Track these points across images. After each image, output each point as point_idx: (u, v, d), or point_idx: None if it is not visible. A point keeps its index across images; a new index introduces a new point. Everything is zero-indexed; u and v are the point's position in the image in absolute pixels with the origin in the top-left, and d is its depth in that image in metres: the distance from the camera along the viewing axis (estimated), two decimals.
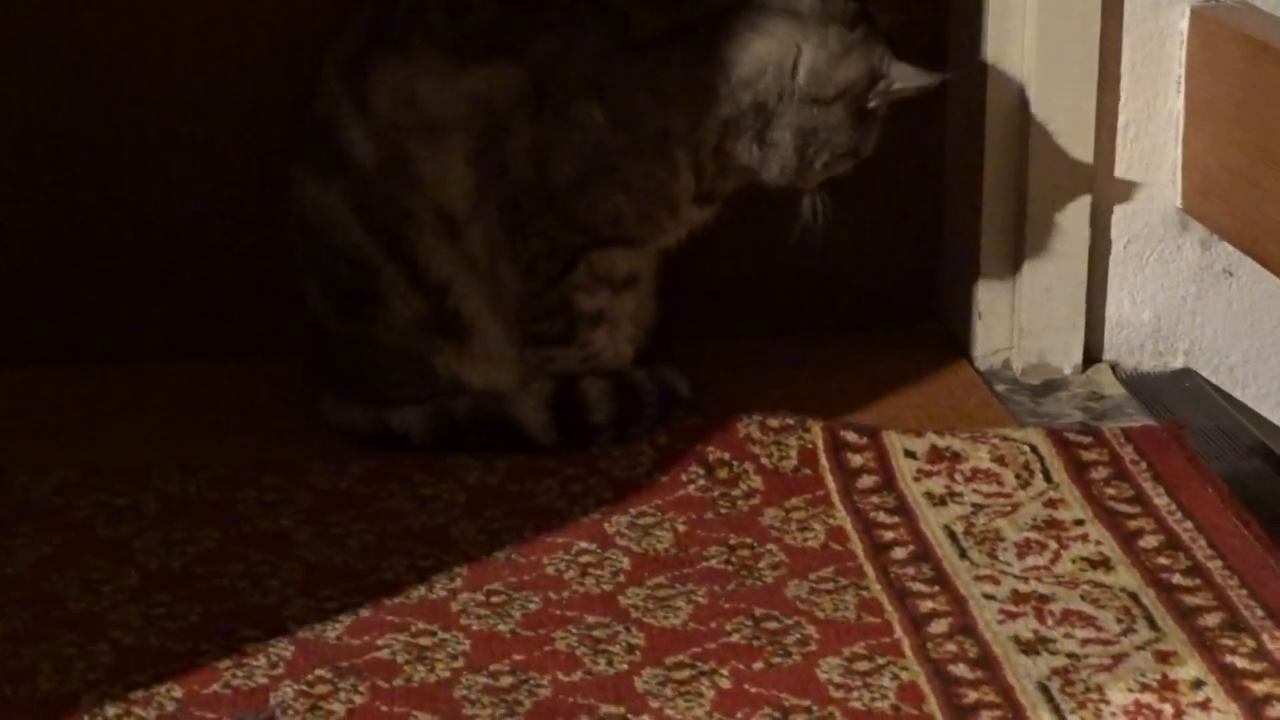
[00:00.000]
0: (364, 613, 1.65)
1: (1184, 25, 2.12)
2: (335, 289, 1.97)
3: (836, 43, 1.89)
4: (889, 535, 1.78)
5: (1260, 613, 1.63)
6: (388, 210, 1.93)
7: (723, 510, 1.84)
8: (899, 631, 1.61)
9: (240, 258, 2.19)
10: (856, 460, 1.91)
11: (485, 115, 1.92)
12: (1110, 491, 1.85)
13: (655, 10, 1.92)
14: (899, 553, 1.75)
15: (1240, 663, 1.55)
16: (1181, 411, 2.07)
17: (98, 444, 1.99)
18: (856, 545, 1.76)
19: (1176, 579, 1.69)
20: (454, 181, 1.93)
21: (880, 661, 1.57)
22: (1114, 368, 2.19)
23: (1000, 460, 1.89)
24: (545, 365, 1.98)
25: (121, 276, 2.19)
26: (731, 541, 1.77)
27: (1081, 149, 2.12)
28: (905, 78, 1.91)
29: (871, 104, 1.91)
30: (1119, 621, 1.62)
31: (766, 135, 1.90)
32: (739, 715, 1.50)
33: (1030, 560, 1.73)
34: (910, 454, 1.91)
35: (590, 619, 1.64)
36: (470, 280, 1.95)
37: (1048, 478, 1.87)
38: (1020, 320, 2.16)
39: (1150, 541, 1.76)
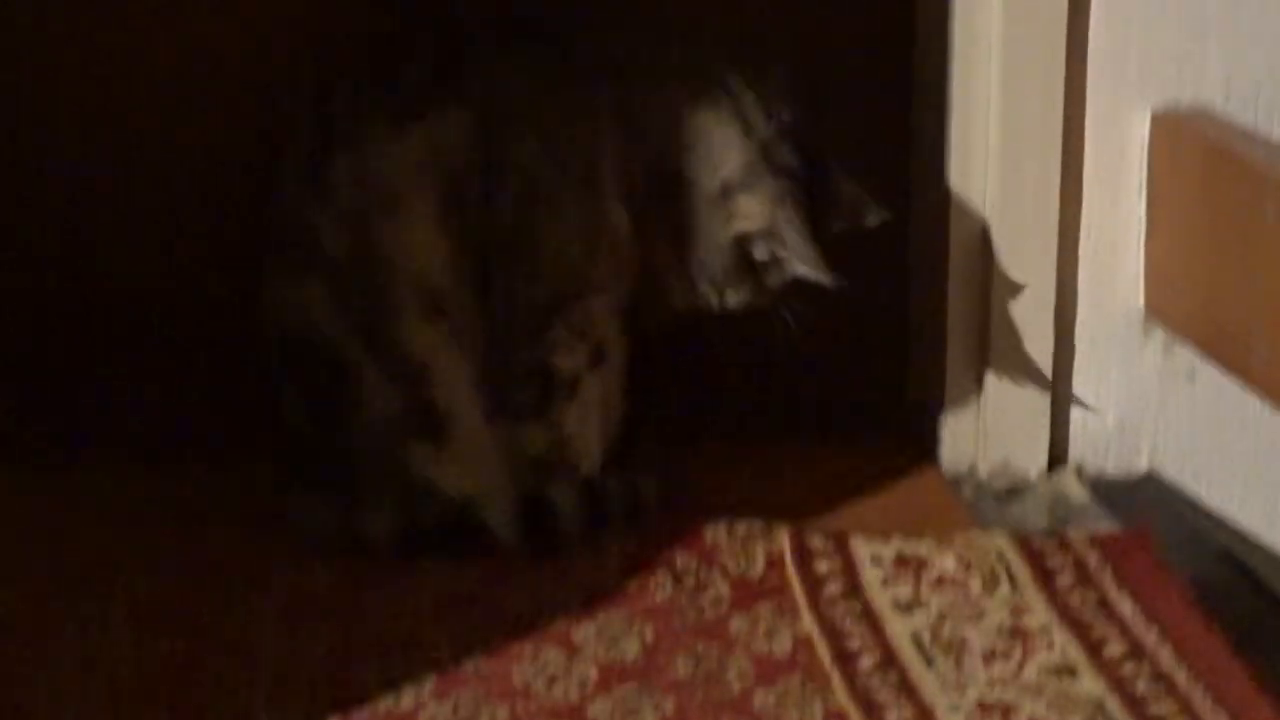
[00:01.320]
0: None
1: (1145, 131, 2.14)
2: (311, 392, 1.97)
3: (754, 177, 1.90)
4: (855, 643, 1.78)
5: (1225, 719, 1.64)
6: (364, 299, 1.92)
7: (690, 618, 1.84)
8: None
9: (208, 361, 2.19)
10: (823, 567, 1.91)
11: (440, 171, 1.91)
12: (1075, 599, 1.85)
13: (597, 45, 1.93)
14: (865, 661, 1.75)
15: None
16: (1146, 515, 2.08)
17: (65, 549, 1.98)
18: (823, 653, 1.77)
19: (1142, 687, 1.70)
20: (425, 250, 1.92)
21: None
22: (1079, 471, 2.20)
23: (966, 567, 1.90)
24: (514, 447, 1.98)
25: (88, 378, 2.19)
26: (699, 649, 1.78)
27: (1045, 253, 2.14)
28: (800, 258, 1.91)
29: (758, 256, 1.91)
30: None
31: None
32: None
33: (996, 668, 1.74)
34: (876, 560, 1.92)
35: None
36: (452, 362, 1.94)
37: (1014, 584, 1.88)
38: (985, 425, 2.17)
39: (1115, 649, 1.76)
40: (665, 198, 1.90)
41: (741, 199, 1.90)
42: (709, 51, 1.97)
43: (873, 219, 1.95)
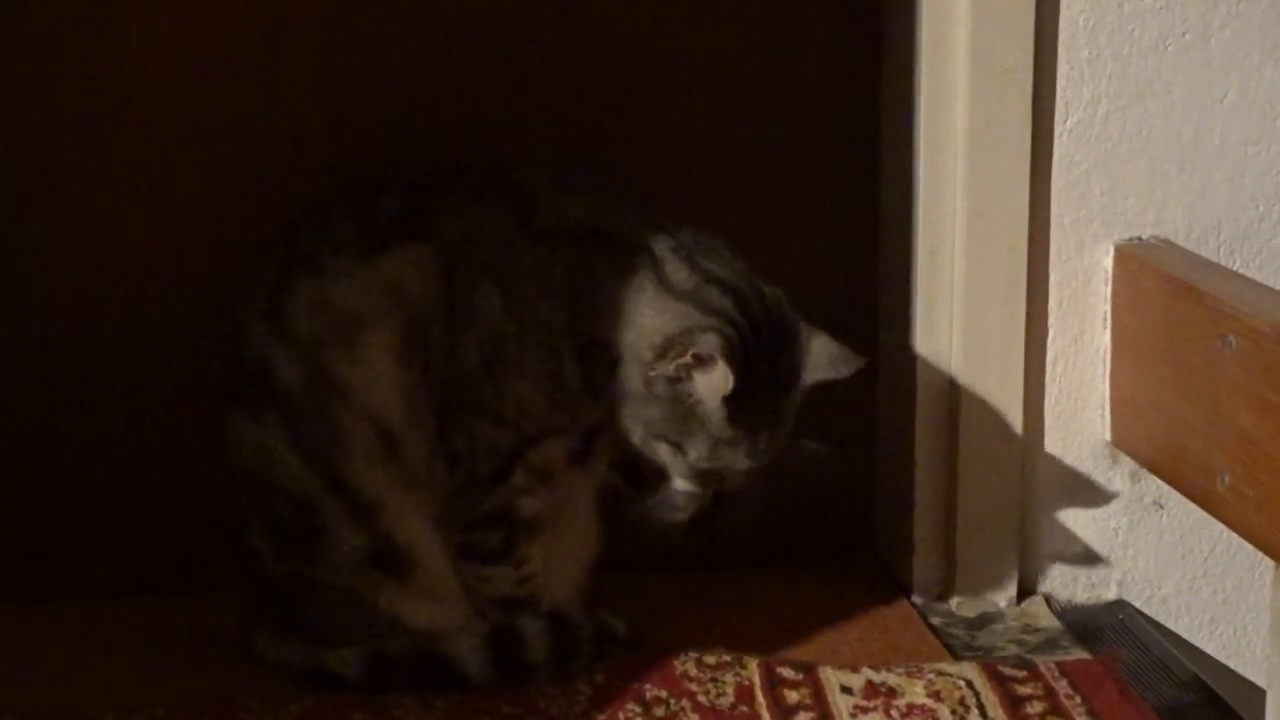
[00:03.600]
0: None
1: (1109, 262, 2.17)
2: (277, 530, 1.97)
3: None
4: None
5: None
6: (319, 433, 1.92)
7: None
8: None
9: (175, 495, 2.20)
10: (793, 696, 1.91)
11: (401, 305, 1.92)
12: None
13: (562, 205, 1.94)
14: None
15: None
16: (1115, 643, 2.09)
17: (30, 685, 1.98)
18: None
19: None
20: (383, 386, 1.92)
21: None
22: (1048, 599, 2.20)
23: (936, 696, 1.90)
24: (479, 587, 1.98)
25: (55, 514, 2.20)
26: None
27: (1011, 384, 2.15)
28: (709, 393, 1.83)
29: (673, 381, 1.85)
30: None
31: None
32: None
33: None
34: (846, 690, 1.92)
35: None
36: (408, 501, 1.94)
37: (983, 713, 1.88)
38: (955, 554, 2.18)
39: None
40: (601, 362, 1.90)
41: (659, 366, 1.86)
42: (662, 211, 1.97)
43: (847, 369, 1.90)
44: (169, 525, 2.20)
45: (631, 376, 1.86)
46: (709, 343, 1.80)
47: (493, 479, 1.94)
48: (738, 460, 1.87)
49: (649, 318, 1.85)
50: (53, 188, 2.15)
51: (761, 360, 1.85)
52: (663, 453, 1.88)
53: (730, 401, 1.82)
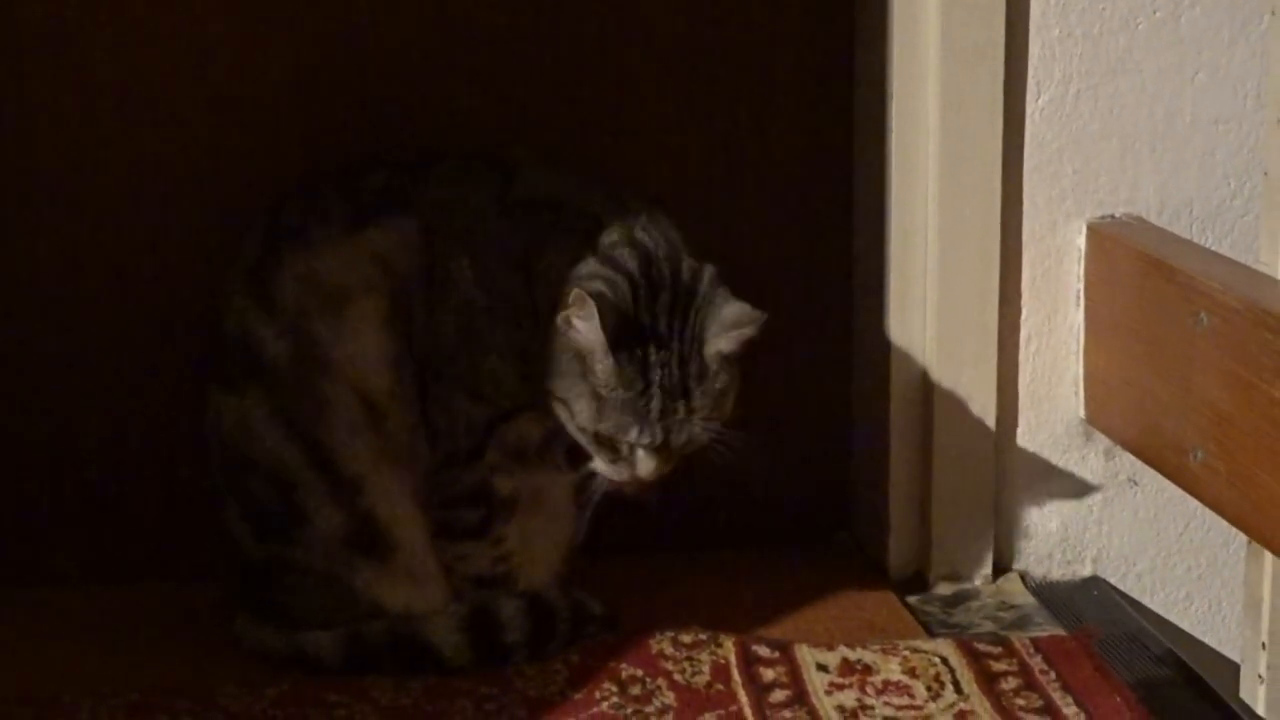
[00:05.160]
0: None
1: (1081, 241, 2.17)
2: (255, 511, 1.98)
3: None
4: None
5: None
6: (303, 405, 1.93)
7: None
8: None
9: (152, 481, 2.20)
10: (769, 674, 1.92)
11: (385, 277, 1.93)
12: (1020, 702, 1.86)
13: (538, 179, 1.95)
14: None
15: None
16: (1090, 619, 2.10)
17: (7, 671, 1.98)
18: None
19: None
20: (368, 358, 1.92)
21: None
22: (1023, 577, 2.21)
23: (911, 672, 1.91)
24: (456, 566, 1.99)
25: (32, 500, 2.19)
26: None
27: (985, 363, 2.16)
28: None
29: None
30: None
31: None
32: None
33: None
34: (822, 667, 1.92)
35: None
36: (390, 478, 1.94)
37: (958, 689, 1.89)
38: (930, 532, 2.19)
39: None
40: (543, 331, 1.88)
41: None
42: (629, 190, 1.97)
43: (750, 328, 1.84)
44: (146, 511, 2.20)
45: (556, 337, 1.85)
46: (587, 288, 1.80)
47: (470, 455, 1.95)
48: (630, 429, 1.84)
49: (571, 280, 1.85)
50: (29, 169, 2.14)
51: (656, 320, 1.84)
52: (562, 415, 1.87)
53: (616, 356, 1.81)
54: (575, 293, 1.80)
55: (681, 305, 1.85)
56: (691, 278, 1.87)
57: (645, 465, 1.86)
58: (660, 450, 1.85)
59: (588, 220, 1.89)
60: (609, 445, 1.86)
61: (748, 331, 1.84)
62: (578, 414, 1.85)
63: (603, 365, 1.82)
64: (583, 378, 1.84)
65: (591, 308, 1.79)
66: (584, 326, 1.81)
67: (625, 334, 1.81)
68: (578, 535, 2.06)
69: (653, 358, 1.83)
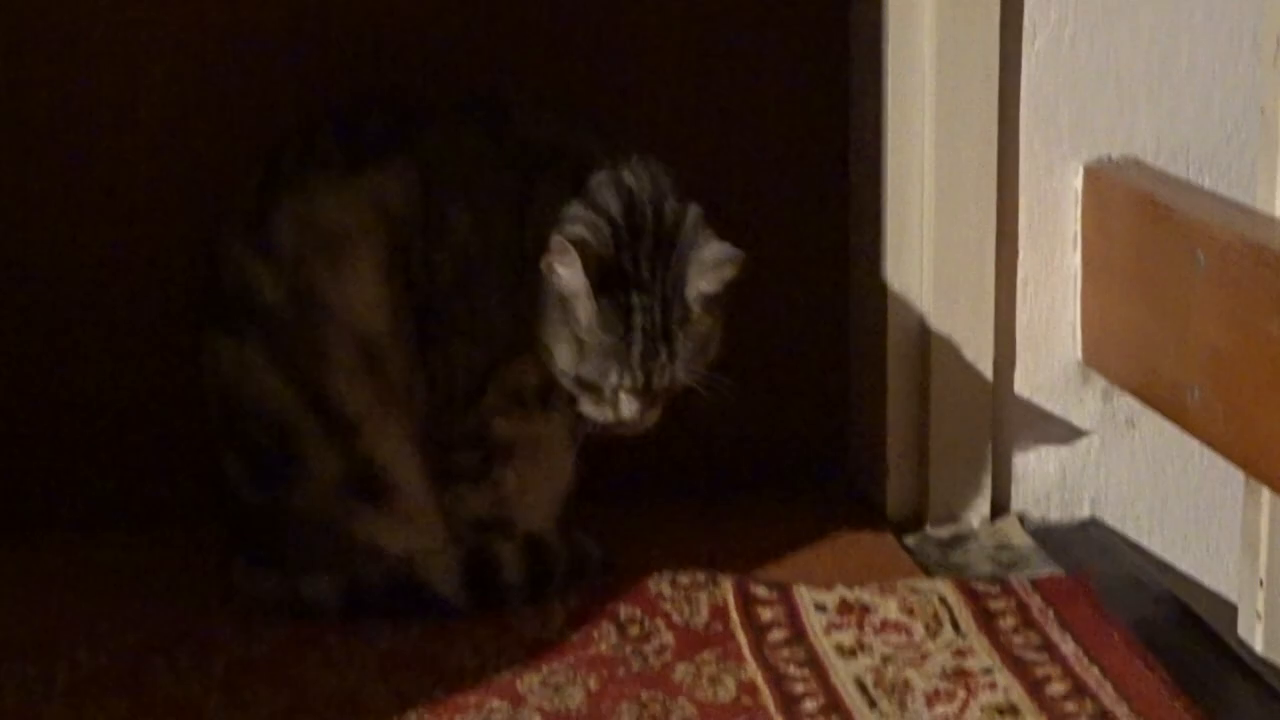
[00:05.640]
0: None
1: (1078, 183, 2.17)
2: (253, 456, 1.97)
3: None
4: (800, 688, 1.79)
5: None
6: (301, 348, 1.92)
7: (634, 667, 1.84)
8: None
9: (149, 430, 2.20)
10: (767, 615, 1.92)
11: (384, 220, 1.92)
12: (1018, 640, 1.86)
13: (534, 124, 1.94)
14: (809, 705, 1.75)
15: None
16: (1088, 560, 2.10)
17: (5, 616, 1.98)
18: (767, 698, 1.77)
19: None
20: (367, 300, 1.92)
21: None
22: (1021, 519, 2.21)
23: (909, 611, 1.91)
24: (455, 509, 1.98)
25: (30, 448, 2.19)
26: (643, 697, 1.78)
27: (982, 306, 2.16)
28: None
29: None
30: None
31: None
32: None
33: (939, 709, 1.74)
34: (820, 607, 1.93)
35: None
36: (388, 421, 1.94)
37: (956, 628, 1.89)
38: (928, 475, 2.19)
39: (1057, 688, 1.77)
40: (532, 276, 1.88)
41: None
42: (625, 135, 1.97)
43: (730, 268, 1.84)
44: (144, 459, 2.20)
45: (544, 281, 1.85)
46: (569, 234, 1.80)
47: (468, 399, 1.95)
48: (610, 373, 1.84)
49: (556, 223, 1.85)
50: (21, 115, 2.14)
51: (638, 263, 1.84)
52: (545, 359, 1.87)
53: (599, 301, 1.81)
54: (557, 239, 1.80)
55: (663, 248, 1.85)
56: (674, 220, 1.87)
57: (628, 408, 1.86)
58: (642, 394, 1.85)
59: (578, 162, 1.89)
60: (592, 389, 1.86)
61: (728, 271, 1.84)
62: (559, 358, 1.86)
63: (585, 311, 1.82)
64: (564, 322, 1.84)
65: (573, 254, 1.79)
66: (566, 273, 1.81)
67: (607, 278, 1.82)
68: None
69: (634, 302, 1.83)
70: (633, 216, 1.85)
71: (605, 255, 1.82)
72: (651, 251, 1.85)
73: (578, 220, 1.84)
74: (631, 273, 1.84)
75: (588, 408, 1.88)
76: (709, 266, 1.84)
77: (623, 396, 1.86)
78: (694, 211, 1.88)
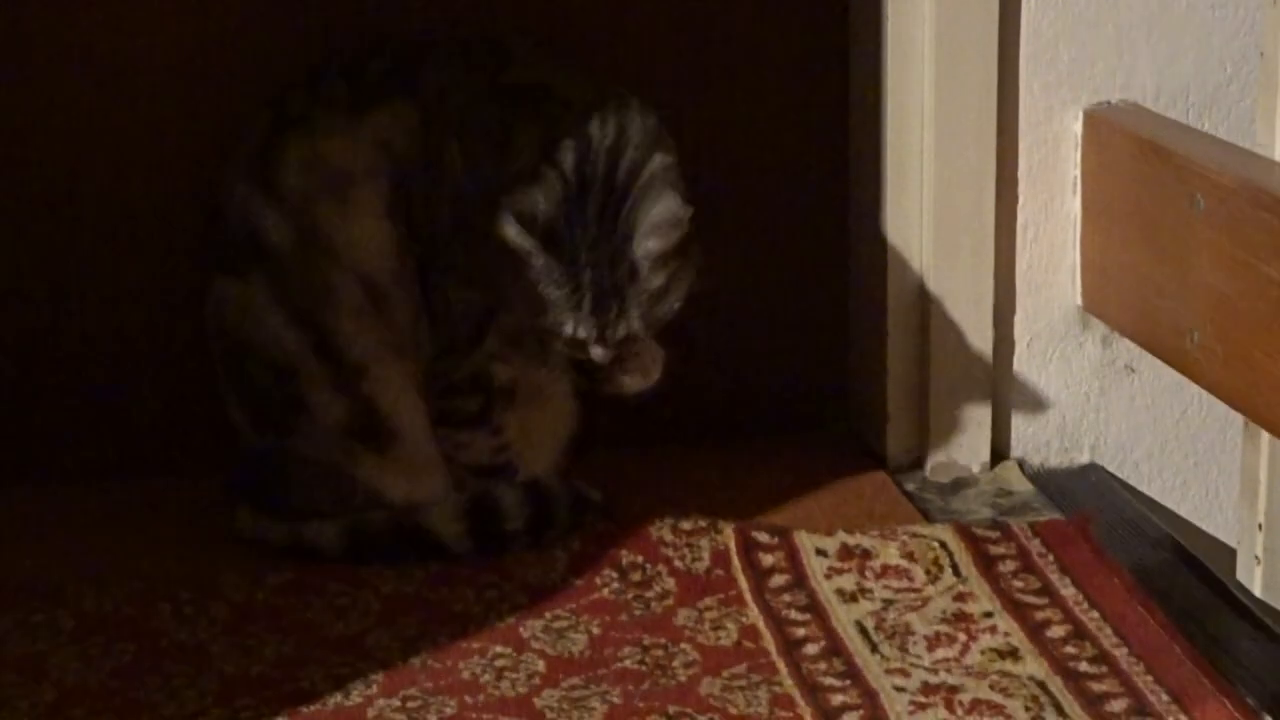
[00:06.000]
0: None
1: (1078, 127, 2.17)
2: (256, 400, 1.98)
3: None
4: (801, 632, 1.80)
5: (1165, 697, 1.66)
6: (306, 290, 1.93)
7: (636, 612, 1.85)
8: None
9: (154, 376, 2.20)
10: (768, 560, 1.93)
11: (388, 160, 1.93)
12: (1018, 584, 1.87)
13: (529, 65, 1.95)
14: (811, 649, 1.77)
15: None
16: (1088, 506, 2.10)
17: (11, 563, 1.99)
18: (769, 643, 1.78)
19: (1083, 667, 1.72)
20: (372, 242, 1.93)
21: None
22: (1021, 465, 2.22)
23: (910, 556, 1.92)
24: (457, 455, 1.99)
25: (35, 397, 2.20)
26: (645, 642, 1.79)
27: (982, 251, 2.16)
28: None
29: None
30: (1027, 709, 1.65)
31: None
32: None
33: (940, 652, 1.75)
34: (821, 552, 1.93)
35: None
36: (392, 367, 1.95)
37: (956, 572, 1.90)
38: (928, 420, 2.19)
39: (1057, 631, 1.78)
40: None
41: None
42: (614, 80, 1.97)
43: (675, 231, 1.83)
44: (148, 407, 2.21)
45: None
46: (514, 201, 1.82)
47: (469, 343, 1.95)
48: (565, 325, 1.85)
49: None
50: (24, 58, 2.13)
51: (586, 223, 1.84)
52: (511, 309, 1.89)
53: (546, 260, 1.82)
54: (505, 199, 1.81)
55: (613, 205, 1.85)
56: (629, 174, 1.86)
57: (596, 352, 1.88)
58: (603, 341, 1.87)
59: (558, 107, 1.89)
60: (555, 338, 1.88)
61: (675, 231, 1.84)
62: (517, 309, 1.87)
63: (534, 267, 1.83)
64: (521, 274, 1.84)
65: (509, 223, 1.80)
66: (514, 231, 1.81)
67: (554, 237, 1.82)
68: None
69: (582, 258, 1.84)
70: (584, 171, 1.85)
71: (553, 214, 1.83)
72: (600, 209, 1.85)
73: (530, 179, 1.84)
74: (580, 233, 1.84)
75: (559, 349, 1.89)
76: (655, 225, 1.84)
77: (588, 345, 1.87)
78: (658, 162, 1.87)
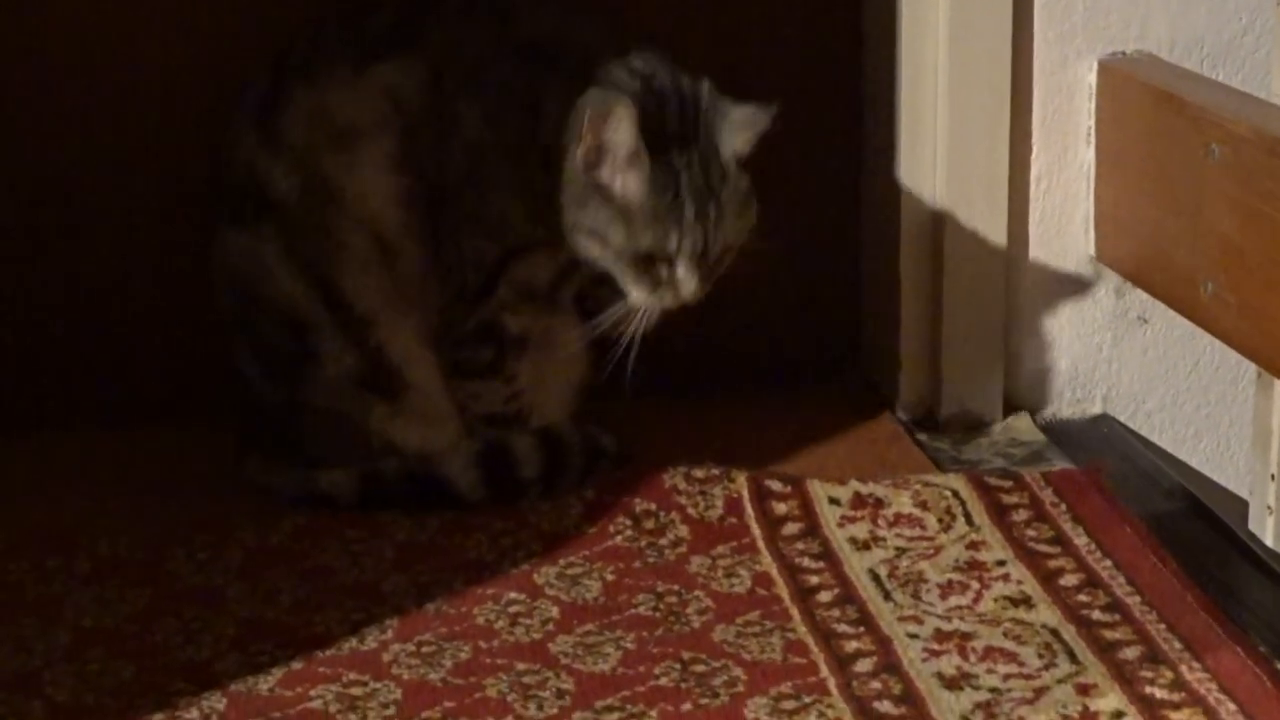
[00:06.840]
0: (296, 665, 1.66)
1: (1092, 78, 2.16)
2: (266, 351, 1.98)
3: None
4: (814, 579, 1.80)
5: (1178, 645, 1.66)
6: (315, 242, 1.93)
7: (650, 559, 1.86)
8: (825, 671, 1.64)
9: (167, 324, 2.21)
10: (781, 508, 1.93)
11: (396, 113, 1.93)
12: (1031, 533, 1.88)
13: (538, 18, 1.95)
14: (824, 596, 1.77)
15: (1159, 693, 1.58)
16: (1100, 456, 2.11)
17: (28, 509, 1.99)
18: (782, 590, 1.79)
19: (1096, 615, 1.72)
20: (380, 193, 1.93)
21: (806, 700, 1.59)
22: (1033, 415, 2.22)
23: (923, 505, 1.92)
24: (470, 404, 2.00)
25: (48, 343, 2.20)
26: (659, 589, 1.80)
27: (995, 201, 2.16)
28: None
29: None
30: (1040, 656, 1.65)
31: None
32: None
33: (953, 600, 1.76)
34: (834, 501, 1.94)
35: (520, 666, 1.66)
36: (401, 318, 1.95)
37: (969, 521, 1.90)
38: (941, 370, 2.19)
39: (1070, 580, 1.79)
40: (556, 170, 1.89)
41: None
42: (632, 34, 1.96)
43: (763, 122, 1.87)
44: (160, 355, 2.21)
45: (569, 171, 1.86)
46: (611, 94, 1.82)
47: (480, 292, 1.96)
48: (670, 237, 1.85)
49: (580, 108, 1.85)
50: (34, 15, 2.14)
51: (672, 127, 1.86)
52: (594, 251, 1.88)
53: (650, 162, 1.83)
54: (597, 100, 1.81)
55: (690, 113, 1.87)
56: (693, 90, 1.89)
57: (688, 285, 1.88)
58: (700, 262, 1.86)
59: (584, 55, 1.90)
60: (648, 269, 1.87)
61: (760, 128, 1.87)
62: (613, 239, 1.86)
63: (636, 176, 1.83)
64: (609, 201, 1.84)
65: (621, 111, 1.80)
66: (615, 136, 1.81)
67: (649, 142, 1.82)
68: (598, 374, 2.05)
69: (678, 163, 1.84)
70: (654, 87, 1.87)
71: (645, 118, 1.83)
72: (679, 116, 1.86)
73: (605, 89, 1.84)
74: (671, 134, 1.85)
75: (643, 297, 1.89)
76: (740, 125, 1.87)
77: (681, 273, 1.87)
78: (707, 81, 1.90)
